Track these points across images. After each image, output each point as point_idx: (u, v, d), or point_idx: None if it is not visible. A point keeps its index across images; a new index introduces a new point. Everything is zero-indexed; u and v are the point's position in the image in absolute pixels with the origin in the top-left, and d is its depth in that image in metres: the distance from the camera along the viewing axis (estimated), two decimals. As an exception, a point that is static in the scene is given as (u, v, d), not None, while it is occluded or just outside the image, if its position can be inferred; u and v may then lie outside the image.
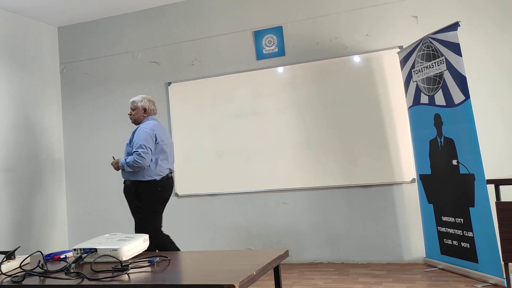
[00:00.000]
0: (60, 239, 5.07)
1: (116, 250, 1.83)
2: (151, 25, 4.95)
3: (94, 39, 5.19)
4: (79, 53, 5.24)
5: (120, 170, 3.59)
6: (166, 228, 4.74)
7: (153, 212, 3.57)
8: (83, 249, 1.88)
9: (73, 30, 5.28)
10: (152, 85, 4.90)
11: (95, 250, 1.86)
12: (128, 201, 3.63)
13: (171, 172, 3.70)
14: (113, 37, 5.11)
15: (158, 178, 3.52)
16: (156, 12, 4.94)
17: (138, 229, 3.51)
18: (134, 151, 3.43)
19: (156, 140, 3.50)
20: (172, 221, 4.74)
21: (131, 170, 3.46)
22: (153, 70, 4.92)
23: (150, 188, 3.50)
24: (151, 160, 3.47)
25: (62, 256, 2.03)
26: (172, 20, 4.87)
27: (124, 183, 3.63)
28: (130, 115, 3.68)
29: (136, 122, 3.67)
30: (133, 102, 3.68)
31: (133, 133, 3.59)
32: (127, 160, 3.46)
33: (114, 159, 3.63)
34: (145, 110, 3.65)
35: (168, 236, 3.63)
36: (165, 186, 3.59)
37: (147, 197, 3.52)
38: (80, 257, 1.86)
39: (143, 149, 3.40)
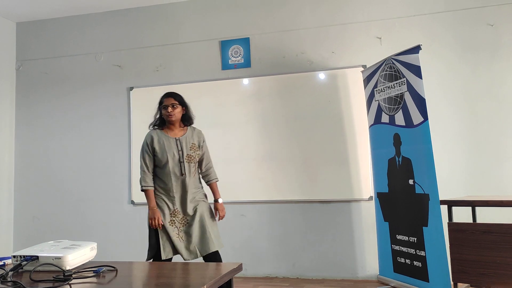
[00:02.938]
0: (5, 245, 4.79)
1: (60, 258, 1.72)
2: (116, 28, 4.84)
3: (55, 38, 5.01)
4: (38, 50, 5.05)
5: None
6: (119, 237, 4.60)
7: None
8: (24, 256, 1.76)
9: (33, 27, 5.09)
10: (113, 89, 4.77)
11: (37, 257, 1.74)
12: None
13: None
14: (75, 37, 4.96)
15: None
16: (122, 15, 4.83)
17: None
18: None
19: None
20: (125, 230, 4.59)
21: None
22: (115, 74, 4.79)
23: None
24: None
25: (0, 263, 1.89)
26: (138, 24, 4.78)
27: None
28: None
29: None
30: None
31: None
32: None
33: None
34: None
35: None
36: None
37: None
38: (20, 264, 1.73)
39: None
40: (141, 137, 4.60)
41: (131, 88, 4.69)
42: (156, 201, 3.00)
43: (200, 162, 3.10)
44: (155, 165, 3.04)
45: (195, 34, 4.61)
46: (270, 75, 4.34)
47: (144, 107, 4.64)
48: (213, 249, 2.94)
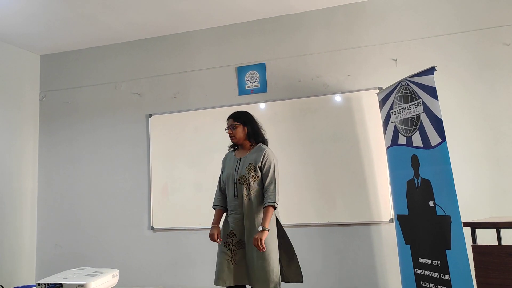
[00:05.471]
0: (28, 273, 4.86)
1: (83, 286, 1.75)
2: (135, 57, 4.98)
3: (77, 69, 5.18)
4: (60, 81, 5.22)
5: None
6: (140, 263, 4.62)
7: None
8: (48, 284, 1.80)
9: (56, 59, 5.28)
10: (133, 117, 4.88)
11: (61, 285, 1.78)
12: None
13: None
14: (96, 67, 5.12)
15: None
16: (140, 44, 4.98)
17: None
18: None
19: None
20: (146, 256, 4.61)
21: None
22: (134, 102, 4.91)
23: None
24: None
25: (25, 291, 1.94)
26: (156, 53, 4.91)
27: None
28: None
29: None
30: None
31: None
32: None
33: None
34: None
35: None
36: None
37: None
38: (44, 292, 1.77)
39: None
40: (160, 162, 4.69)
41: (150, 115, 4.79)
42: (223, 222, 3.04)
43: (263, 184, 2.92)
44: None
45: (211, 61, 4.71)
46: (286, 99, 4.38)
47: (162, 133, 4.73)
48: (256, 287, 2.83)
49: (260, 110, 4.44)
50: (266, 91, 4.47)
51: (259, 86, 4.50)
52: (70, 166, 5.02)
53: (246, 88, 4.53)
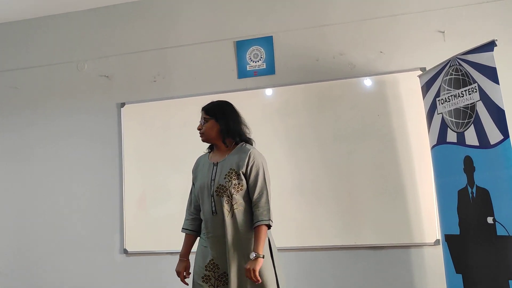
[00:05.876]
0: (-36, 308, 4.88)
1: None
2: (102, 29, 4.98)
3: (26, 44, 5.19)
4: (4, 61, 5.23)
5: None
6: (108, 297, 4.63)
7: None
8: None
9: (-1, 31, 5.29)
10: (101, 106, 4.89)
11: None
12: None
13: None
14: (51, 42, 5.12)
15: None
16: (109, 12, 4.98)
17: None
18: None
19: None
20: (118, 286, 4.62)
21: None
22: (102, 87, 4.92)
23: None
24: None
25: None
26: (129, 24, 4.91)
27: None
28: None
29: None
30: None
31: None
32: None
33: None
34: None
35: None
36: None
37: None
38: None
39: None
40: (136, 164, 4.70)
41: (122, 104, 4.80)
42: (198, 247, 3.02)
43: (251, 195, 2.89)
44: None
45: (202, 34, 4.71)
46: (300, 83, 4.38)
47: (139, 128, 4.73)
48: None
49: (265, 97, 4.44)
50: (274, 73, 4.48)
51: (264, 67, 4.50)
52: (18, 171, 5.02)
53: (248, 69, 4.54)
